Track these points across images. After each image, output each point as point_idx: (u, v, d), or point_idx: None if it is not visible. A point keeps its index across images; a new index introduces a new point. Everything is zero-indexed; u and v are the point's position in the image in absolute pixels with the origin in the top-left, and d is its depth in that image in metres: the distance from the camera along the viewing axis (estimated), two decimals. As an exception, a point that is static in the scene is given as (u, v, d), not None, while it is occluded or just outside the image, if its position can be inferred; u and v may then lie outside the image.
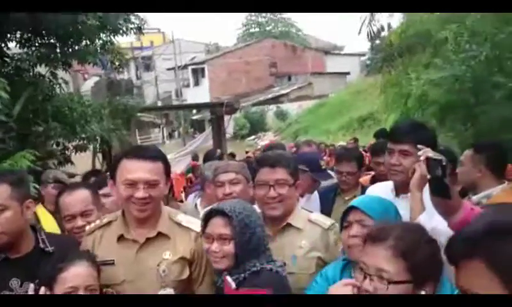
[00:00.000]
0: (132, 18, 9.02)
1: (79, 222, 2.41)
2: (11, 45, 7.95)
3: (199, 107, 30.10)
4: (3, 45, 7.73)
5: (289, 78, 34.80)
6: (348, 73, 33.71)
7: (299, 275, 2.12)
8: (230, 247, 1.88)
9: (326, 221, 2.27)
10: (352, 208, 1.91)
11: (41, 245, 2.08)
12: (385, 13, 8.84)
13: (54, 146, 9.04)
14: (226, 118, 20.23)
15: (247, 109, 29.05)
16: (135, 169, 1.95)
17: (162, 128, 34.72)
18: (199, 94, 31.93)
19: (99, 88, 21.49)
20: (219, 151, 7.32)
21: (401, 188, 2.27)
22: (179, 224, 2.10)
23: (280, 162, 2.26)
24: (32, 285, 1.93)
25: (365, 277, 1.47)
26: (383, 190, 2.36)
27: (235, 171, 2.90)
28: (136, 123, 21.25)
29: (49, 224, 3.07)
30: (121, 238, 2.06)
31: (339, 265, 1.93)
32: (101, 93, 16.07)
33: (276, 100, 31.07)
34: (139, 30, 9.37)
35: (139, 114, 25.62)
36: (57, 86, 8.57)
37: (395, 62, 8.12)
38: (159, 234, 2.05)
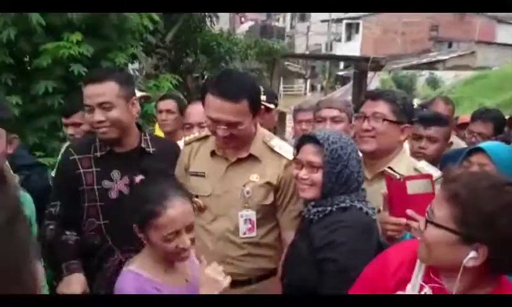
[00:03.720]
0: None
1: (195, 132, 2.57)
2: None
3: (343, 59, 29.32)
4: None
5: (450, 45, 32.01)
6: (521, 46, 29.81)
7: None
8: (318, 176, 1.80)
9: (436, 172, 2.02)
10: (478, 149, 1.83)
11: (143, 145, 2.17)
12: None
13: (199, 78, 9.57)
14: (370, 74, 19.42)
15: (396, 71, 27.58)
16: (217, 108, 1.91)
17: (307, 79, 34.75)
18: (349, 50, 31.06)
19: (253, 31, 22.15)
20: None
21: None
22: (271, 149, 2.07)
23: (381, 95, 2.10)
24: (127, 178, 2.06)
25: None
26: None
27: (339, 108, 2.69)
28: (281, 71, 21.55)
29: None
30: (214, 153, 2.10)
31: None
32: (253, 37, 16.51)
33: (430, 65, 28.89)
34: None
35: (286, 63, 25.96)
36: (208, 19, 8.97)
37: None
38: (250, 155, 2.05)
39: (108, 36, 5.19)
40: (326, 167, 1.77)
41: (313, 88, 35.66)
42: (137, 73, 7.60)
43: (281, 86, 25.73)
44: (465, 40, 30.76)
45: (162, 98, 3.75)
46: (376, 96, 2.12)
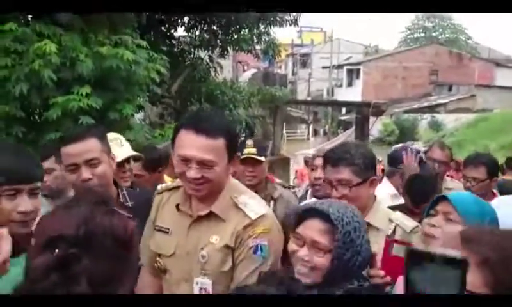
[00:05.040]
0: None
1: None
2: (179, 28, 8.77)
3: (345, 105, 29.72)
4: (171, 27, 8.56)
5: (450, 88, 32.40)
6: (520, 89, 30.14)
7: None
8: (323, 260, 1.50)
9: (409, 223, 2.01)
10: (443, 198, 1.74)
11: (121, 200, 2.13)
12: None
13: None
14: (371, 119, 19.63)
15: (398, 115, 27.85)
16: (190, 144, 1.66)
17: (309, 124, 35.09)
18: (351, 95, 31.49)
19: (255, 79, 22.58)
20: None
21: None
22: (236, 206, 1.76)
23: (340, 160, 2.03)
24: None
25: None
26: None
27: None
28: (284, 116, 21.81)
29: None
30: (177, 207, 1.83)
31: None
32: (256, 84, 16.85)
33: (431, 109, 29.18)
34: (295, 22, 9.56)
35: (288, 108, 26.28)
36: (213, 69, 9.22)
37: None
38: (211, 213, 1.76)
39: (116, 88, 5.37)
40: (335, 252, 1.49)
41: (316, 133, 35.95)
42: (142, 122, 7.77)
43: (284, 131, 25.99)
44: (464, 84, 31.18)
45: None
46: (335, 162, 2.05)
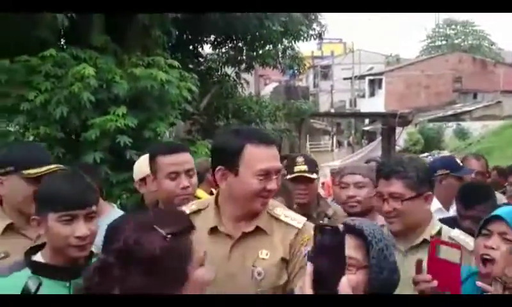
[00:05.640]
0: (314, 24, 9.36)
1: None
2: (205, 46, 8.96)
3: (371, 116, 29.57)
4: (199, 46, 8.75)
5: (475, 96, 31.97)
6: (548, 94, 29.54)
7: None
8: (355, 277, 1.43)
9: (471, 241, 1.90)
10: (497, 217, 1.67)
11: None
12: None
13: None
14: (398, 130, 19.51)
15: (423, 124, 27.55)
16: (268, 156, 1.68)
17: (333, 136, 35.00)
18: (373, 105, 31.37)
19: (277, 93, 22.71)
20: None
21: None
22: (277, 219, 1.77)
23: (392, 173, 1.98)
24: None
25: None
26: None
27: (362, 173, 2.67)
28: (307, 129, 21.86)
29: None
30: (213, 230, 1.76)
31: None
32: (278, 98, 16.98)
33: (456, 117, 28.81)
34: (319, 36, 9.66)
35: (311, 120, 26.32)
36: (240, 85, 9.37)
37: None
38: (257, 228, 1.74)
39: (150, 107, 5.53)
40: (372, 271, 1.43)
41: (339, 144, 35.83)
42: (171, 138, 7.94)
43: (308, 143, 26.00)
44: (489, 90, 30.72)
45: None
46: (387, 174, 2.00)
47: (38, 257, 1.63)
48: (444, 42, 42.68)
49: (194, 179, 2.21)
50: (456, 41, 41.60)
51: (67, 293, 1.57)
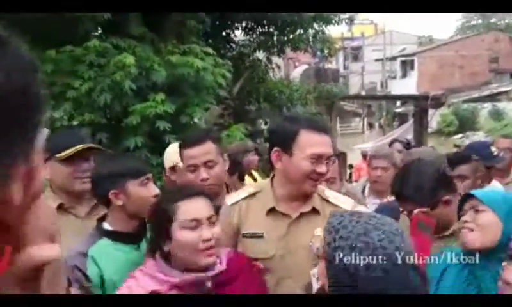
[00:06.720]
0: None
1: None
2: (237, 32, 9.11)
3: (402, 98, 29.10)
4: (230, 32, 8.92)
5: (512, 76, 31.09)
6: None
7: None
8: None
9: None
10: (467, 196, 1.81)
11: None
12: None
13: (263, 125, 10.02)
14: (430, 111, 19.23)
15: (457, 105, 27.01)
16: (319, 142, 1.85)
17: (363, 118, 34.69)
18: (405, 86, 30.87)
19: (307, 75, 22.63)
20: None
21: None
22: (327, 200, 1.96)
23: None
24: None
25: None
26: None
27: (385, 157, 3.16)
28: (337, 111, 21.78)
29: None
30: (272, 210, 1.92)
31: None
32: (308, 80, 16.98)
33: (492, 98, 28.09)
34: (351, 21, 9.66)
35: (341, 103, 26.18)
36: (271, 70, 9.50)
37: None
38: (312, 209, 1.92)
39: (186, 93, 5.77)
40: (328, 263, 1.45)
41: (370, 126, 35.53)
42: (204, 124, 8.18)
43: (338, 125, 25.91)
44: (528, 70, 29.81)
45: None
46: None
47: (107, 227, 1.91)
48: (480, 21, 41.44)
49: (216, 169, 2.21)
50: (493, 20, 40.31)
51: (139, 255, 1.85)
